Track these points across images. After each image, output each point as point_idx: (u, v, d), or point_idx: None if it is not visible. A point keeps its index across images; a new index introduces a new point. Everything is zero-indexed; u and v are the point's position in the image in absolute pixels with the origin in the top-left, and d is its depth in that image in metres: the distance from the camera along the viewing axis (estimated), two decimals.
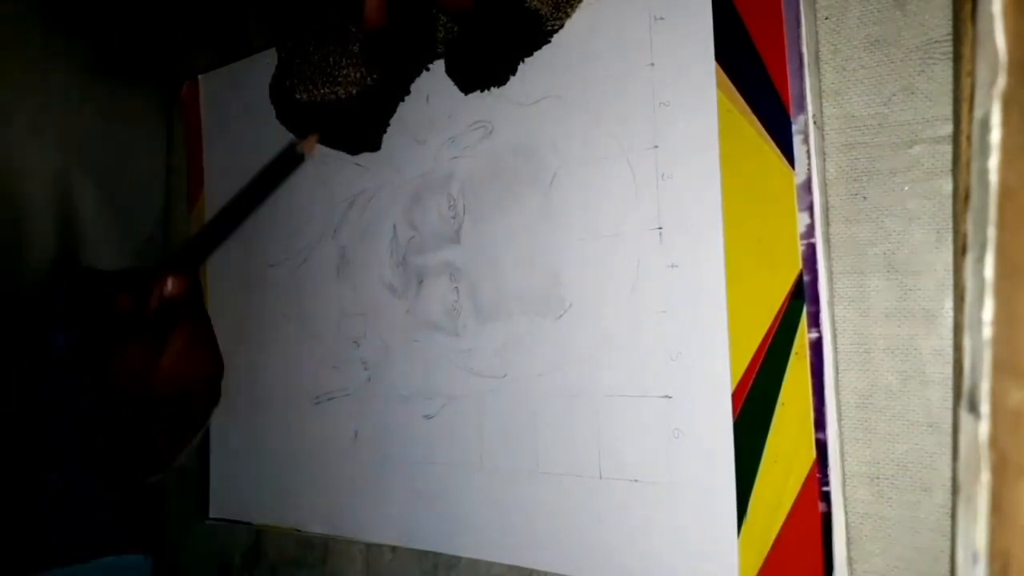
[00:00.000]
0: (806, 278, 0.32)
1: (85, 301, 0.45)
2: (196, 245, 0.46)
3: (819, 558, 0.31)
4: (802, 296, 0.32)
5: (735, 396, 0.33)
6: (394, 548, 0.46)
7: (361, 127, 0.47)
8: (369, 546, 0.47)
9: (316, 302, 0.50)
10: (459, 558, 0.42)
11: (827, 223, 0.32)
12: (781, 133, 0.33)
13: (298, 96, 0.46)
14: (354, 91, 0.45)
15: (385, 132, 0.47)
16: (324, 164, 0.50)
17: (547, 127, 0.40)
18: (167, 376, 0.43)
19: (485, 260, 0.42)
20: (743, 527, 0.33)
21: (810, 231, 0.32)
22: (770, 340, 0.33)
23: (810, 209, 0.32)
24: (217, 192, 0.58)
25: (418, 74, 0.45)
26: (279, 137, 0.51)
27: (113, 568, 0.60)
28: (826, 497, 0.31)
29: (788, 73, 0.32)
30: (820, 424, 0.31)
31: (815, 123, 0.32)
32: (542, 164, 0.40)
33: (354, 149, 0.48)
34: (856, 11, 0.32)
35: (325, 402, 0.49)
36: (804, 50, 0.32)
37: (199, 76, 0.59)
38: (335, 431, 0.48)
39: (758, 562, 0.32)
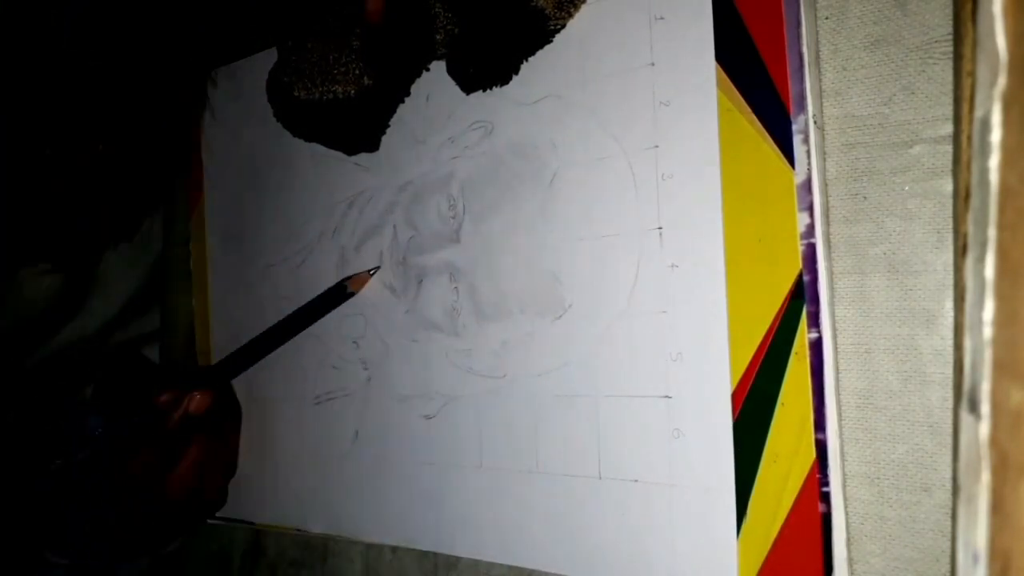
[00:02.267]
0: (806, 278, 0.32)
1: (128, 393, 0.48)
2: (231, 363, 0.50)
3: (819, 559, 0.31)
4: (802, 296, 0.32)
5: (735, 396, 0.33)
6: (394, 548, 0.46)
7: (360, 127, 0.47)
8: (369, 546, 0.47)
9: None
10: (459, 558, 0.42)
11: (827, 223, 0.32)
12: (781, 133, 0.33)
13: (296, 94, 0.46)
14: (353, 90, 0.44)
15: (384, 133, 0.47)
16: (324, 164, 0.50)
17: (547, 127, 0.40)
18: (178, 484, 0.48)
19: (485, 260, 0.42)
20: (742, 527, 0.33)
21: (810, 231, 0.32)
22: (770, 340, 0.33)
23: (810, 209, 0.32)
24: (216, 193, 0.58)
25: (418, 75, 0.45)
26: (279, 138, 0.51)
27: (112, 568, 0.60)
28: (826, 498, 0.31)
29: (788, 73, 0.32)
30: (820, 424, 0.31)
31: (815, 123, 0.32)
32: (542, 164, 0.40)
33: (352, 149, 0.48)
34: (856, 11, 0.32)
35: (325, 402, 0.49)
36: (804, 50, 0.32)
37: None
38: (335, 431, 0.48)
39: (757, 562, 0.32)
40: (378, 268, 0.47)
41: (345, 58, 0.44)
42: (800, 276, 0.32)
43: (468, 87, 0.43)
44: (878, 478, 0.31)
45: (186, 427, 0.48)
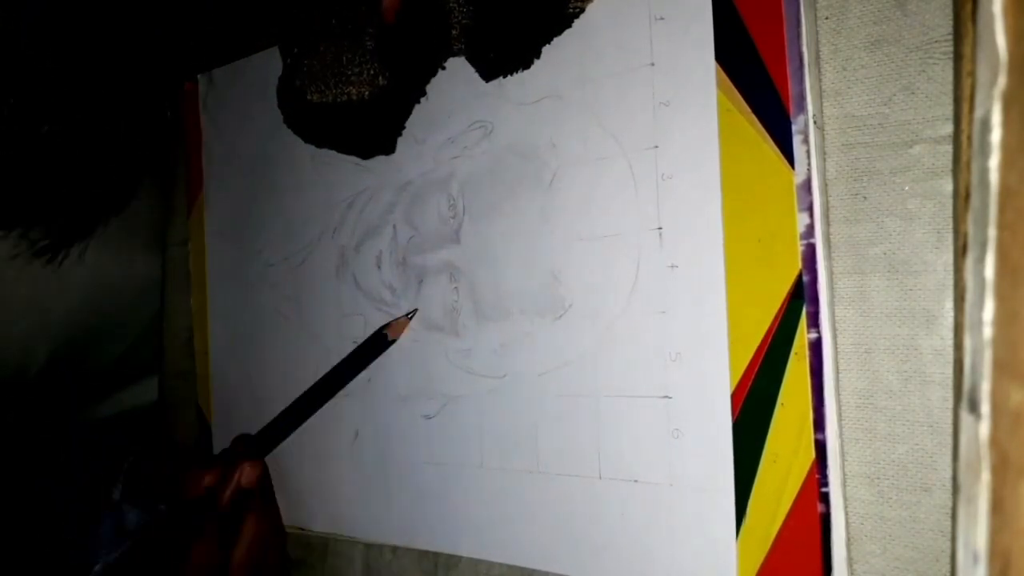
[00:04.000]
0: (806, 278, 0.32)
1: (164, 480, 0.46)
2: (273, 430, 0.48)
3: (818, 559, 0.31)
4: (802, 296, 0.32)
5: (734, 396, 0.33)
6: (394, 548, 0.46)
7: (376, 129, 0.46)
8: (369, 546, 0.47)
9: (316, 302, 0.50)
10: (459, 558, 0.42)
11: (827, 223, 0.32)
12: (781, 133, 0.33)
13: (310, 97, 0.46)
14: (367, 92, 0.44)
15: (400, 135, 0.46)
16: (324, 164, 0.50)
17: (547, 127, 0.40)
18: (240, 569, 0.44)
19: (485, 260, 0.42)
20: (742, 528, 0.33)
21: (810, 231, 0.32)
22: (770, 340, 0.33)
23: (810, 209, 0.32)
24: (216, 193, 0.58)
25: (434, 73, 0.45)
26: (279, 137, 0.51)
27: None
28: (825, 498, 0.31)
29: (788, 73, 0.32)
30: (819, 425, 0.31)
31: (815, 123, 0.32)
32: (542, 164, 0.40)
33: (367, 153, 0.48)
34: (856, 11, 0.32)
35: None
36: (804, 50, 0.32)
37: (199, 76, 0.59)
38: (335, 431, 0.48)
39: (757, 563, 0.32)
40: (415, 311, 0.45)
41: (359, 59, 0.44)
42: (800, 276, 0.32)
43: (489, 74, 0.42)
44: (878, 478, 0.31)
45: (238, 505, 0.45)
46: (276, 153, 0.53)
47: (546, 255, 0.40)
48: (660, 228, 0.36)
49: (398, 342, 0.46)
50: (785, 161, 0.32)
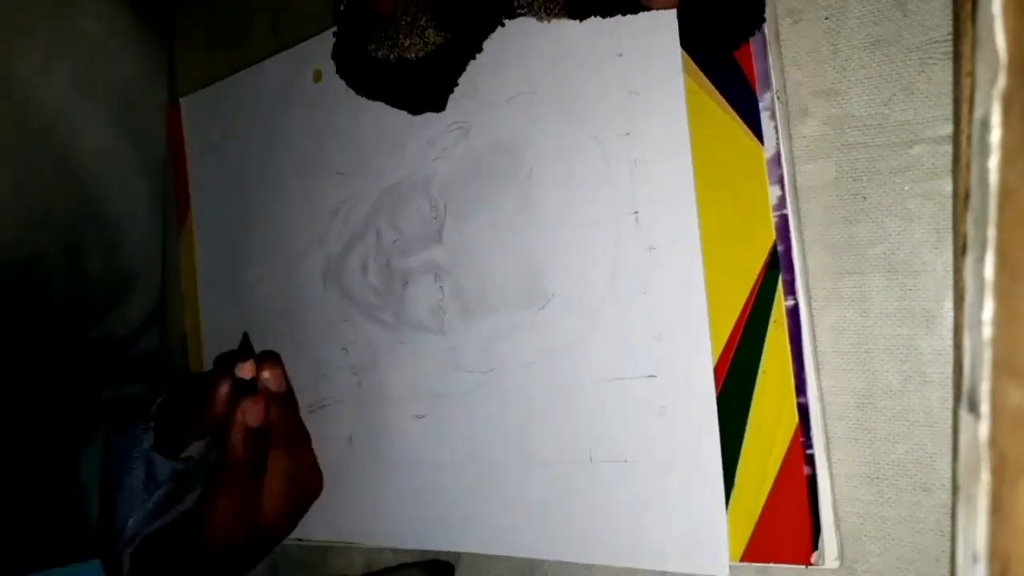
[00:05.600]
0: (780, 248, 0.33)
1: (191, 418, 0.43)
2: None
3: (807, 521, 0.32)
4: (777, 266, 0.33)
5: (717, 369, 0.34)
6: (394, 548, 0.46)
7: (428, 86, 0.44)
8: (369, 547, 0.47)
9: (304, 312, 0.50)
10: (459, 555, 0.42)
11: (796, 195, 0.33)
12: (748, 111, 0.33)
13: (371, 52, 0.44)
14: (423, 52, 0.42)
15: (452, 92, 0.44)
16: (307, 175, 0.50)
17: (522, 123, 0.40)
18: (271, 522, 0.43)
19: (468, 257, 0.42)
20: (731, 497, 0.34)
21: (782, 202, 0.33)
22: (748, 311, 0.33)
23: (781, 181, 0.33)
24: (204, 213, 0.57)
25: (492, 29, 0.42)
26: (262, 154, 0.51)
27: None
28: (810, 460, 0.32)
29: (752, 53, 0.33)
30: (801, 389, 0.32)
31: (779, 98, 0.33)
32: (518, 159, 0.40)
33: (418, 109, 0.45)
34: (856, 11, 0.32)
35: (318, 410, 0.49)
36: (765, 29, 0.33)
37: (180, 99, 0.58)
38: (330, 438, 0.48)
39: (748, 530, 0.33)
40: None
41: (414, 10, 0.42)
42: (774, 246, 0.33)
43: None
44: (878, 478, 0.31)
45: (257, 442, 0.41)
46: (261, 169, 0.52)
47: (527, 247, 0.40)
48: (636, 212, 0.36)
49: (386, 345, 0.45)
50: (754, 137, 0.33)
